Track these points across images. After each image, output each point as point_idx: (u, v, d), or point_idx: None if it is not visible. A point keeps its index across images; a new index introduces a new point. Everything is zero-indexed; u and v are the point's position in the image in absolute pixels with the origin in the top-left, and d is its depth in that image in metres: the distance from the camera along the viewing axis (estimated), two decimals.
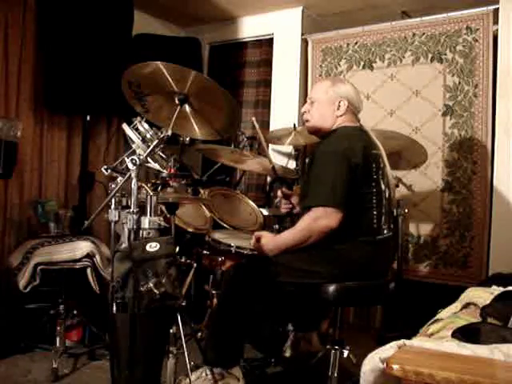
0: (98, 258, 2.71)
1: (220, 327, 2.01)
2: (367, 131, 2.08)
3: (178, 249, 1.90)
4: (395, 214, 2.92)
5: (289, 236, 1.95)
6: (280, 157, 3.81)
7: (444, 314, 1.68)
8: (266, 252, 1.98)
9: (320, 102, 2.08)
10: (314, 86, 2.23)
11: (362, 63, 3.61)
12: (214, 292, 2.59)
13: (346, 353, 2.03)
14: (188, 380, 1.90)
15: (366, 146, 1.95)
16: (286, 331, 2.46)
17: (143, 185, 1.98)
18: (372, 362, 1.18)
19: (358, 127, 2.09)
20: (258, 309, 2.02)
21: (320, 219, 1.85)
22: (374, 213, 1.94)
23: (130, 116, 2.02)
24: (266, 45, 4.08)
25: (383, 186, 1.99)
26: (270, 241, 1.98)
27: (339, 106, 2.04)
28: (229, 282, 2.04)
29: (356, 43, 3.63)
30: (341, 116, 2.05)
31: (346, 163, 1.87)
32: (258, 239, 2.00)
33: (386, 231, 1.99)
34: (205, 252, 2.55)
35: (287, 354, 2.42)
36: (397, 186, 3.03)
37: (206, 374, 1.94)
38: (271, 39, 4.03)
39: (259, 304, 2.00)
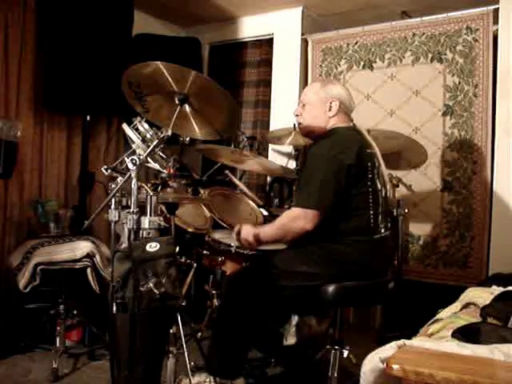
0: (97, 258, 2.70)
1: (223, 337, 1.99)
2: (361, 131, 2.08)
3: (177, 249, 1.90)
4: (395, 214, 2.92)
5: (267, 232, 1.97)
6: (280, 157, 3.82)
7: (444, 314, 1.68)
8: (245, 245, 2.01)
9: (311, 104, 2.08)
10: (305, 89, 2.23)
11: (362, 63, 3.61)
12: (214, 292, 2.59)
13: (345, 353, 2.03)
14: (188, 380, 1.90)
15: (360, 146, 1.96)
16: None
17: (143, 185, 1.98)
18: (372, 362, 1.18)
19: (352, 127, 2.09)
20: (261, 315, 2.02)
21: (297, 220, 1.86)
22: (371, 212, 1.94)
23: (130, 116, 2.02)
24: (265, 45, 4.08)
25: (379, 186, 2.00)
26: (250, 235, 1.97)
27: (331, 106, 2.05)
28: (230, 292, 2.03)
29: (356, 43, 3.63)
30: (333, 117, 2.06)
31: (336, 167, 1.87)
32: (239, 232, 2.00)
33: (383, 230, 1.99)
34: (205, 252, 2.55)
35: (291, 341, 2.40)
36: (397, 185, 3.03)
37: (210, 381, 1.94)
38: (271, 39, 4.03)
39: (261, 311, 2.00)
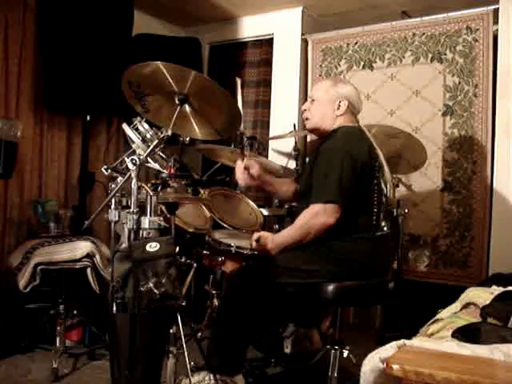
0: (97, 257, 2.71)
1: (223, 334, 2.00)
2: (365, 132, 2.09)
3: (177, 249, 1.89)
4: (395, 214, 2.93)
5: (288, 234, 1.96)
6: (280, 157, 3.81)
7: (444, 313, 1.68)
8: (267, 252, 1.98)
9: (320, 101, 2.09)
10: (316, 85, 2.24)
11: (362, 63, 3.61)
12: (214, 292, 2.59)
13: (345, 353, 2.03)
14: (188, 380, 1.90)
15: (370, 145, 1.99)
16: (286, 331, 2.46)
17: (143, 185, 1.98)
18: (372, 362, 1.18)
19: (358, 127, 2.09)
20: (260, 312, 2.02)
21: (317, 216, 1.86)
22: (375, 210, 1.96)
23: (130, 116, 2.02)
24: (266, 45, 4.08)
25: (383, 185, 2.01)
26: (270, 241, 1.97)
27: (339, 105, 2.06)
28: (230, 289, 2.03)
29: (356, 43, 3.63)
30: (340, 116, 2.07)
31: (351, 161, 1.89)
32: (258, 240, 2.00)
33: (385, 228, 2.01)
34: (205, 252, 2.55)
35: (288, 350, 2.41)
36: (397, 186, 3.03)
37: (210, 379, 1.94)
38: (271, 39, 4.03)
39: (261, 308, 2.00)
